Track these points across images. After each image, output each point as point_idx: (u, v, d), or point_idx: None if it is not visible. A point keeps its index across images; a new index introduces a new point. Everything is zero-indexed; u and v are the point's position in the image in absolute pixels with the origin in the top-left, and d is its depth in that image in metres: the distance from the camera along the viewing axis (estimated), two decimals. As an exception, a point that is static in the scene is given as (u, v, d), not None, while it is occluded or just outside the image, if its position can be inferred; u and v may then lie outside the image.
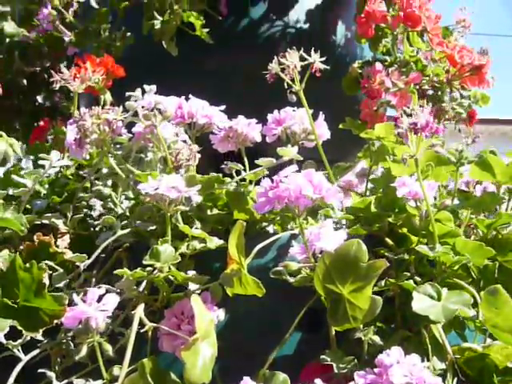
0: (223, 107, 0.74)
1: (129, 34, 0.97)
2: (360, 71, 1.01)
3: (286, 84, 0.67)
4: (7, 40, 1.16)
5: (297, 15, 1.09)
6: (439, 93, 0.97)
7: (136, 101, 0.70)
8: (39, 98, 1.18)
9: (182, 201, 0.58)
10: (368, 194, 0.86)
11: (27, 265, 0.50)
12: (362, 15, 0.96)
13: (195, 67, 1.04)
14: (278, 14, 1.08)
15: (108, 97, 0.80)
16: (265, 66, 1.07)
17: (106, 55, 0.80)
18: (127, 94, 0.71)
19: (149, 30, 0.89)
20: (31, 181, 0.60)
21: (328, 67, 0.67)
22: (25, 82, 1.10)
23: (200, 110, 0.68)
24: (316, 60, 0.66)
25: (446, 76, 0.94)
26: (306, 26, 1.09)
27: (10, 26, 1.18)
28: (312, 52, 0.67)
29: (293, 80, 0.67)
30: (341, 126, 0.89)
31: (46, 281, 0.50)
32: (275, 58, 0.67)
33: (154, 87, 0.69)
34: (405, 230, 0.67)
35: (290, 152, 0.66)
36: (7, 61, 1.09)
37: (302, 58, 0.66)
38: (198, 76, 1.06)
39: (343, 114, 0.99)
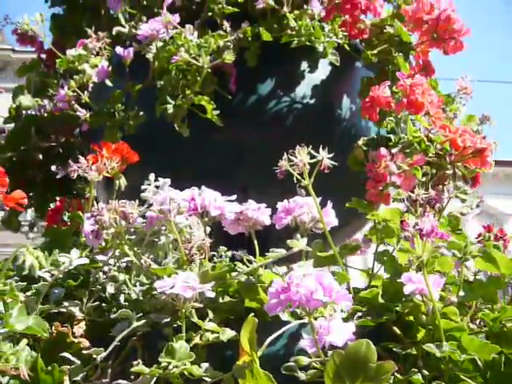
0: (234, 197, 0.76)
1: (141, 113, 1.01)
2: (365, 148, 1.04)
3: (295, 179, 0.70)
4: (23, 113, 1.21)
5: (303, 91, 1.12)
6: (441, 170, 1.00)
7: (150, 191, 0.72)
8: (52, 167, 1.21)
9: (196, 297, 0.61)
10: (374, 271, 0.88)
11: (49, 368, 0.52)
12: (367, 99, 0.99)
13: (204, 142, 1.08)
14: (285, 90, 1.12)
15: (123, 181, 0.83)
16: (272, 139, 1.13)
17: (121, 142, 0.84)
18: (142, 187, 0.74)
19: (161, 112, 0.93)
20: (50, 276, 0.62)
21: (336, 163, 0.70)
22: (40, 156, 1.14)
23: (212, 202, 0.70)
24: (324, 157, 0.68)
25: (448, 157, 0.96)
26: (312, 101, 1.13)
27: (26, 99, 1.22)
28: (320, 149, 0.70)
29: (301, 174, 0.70)
30: (347, 205, 0.92)
31: (67, 383, 0.52)
32: (286, 155, 0.69)
33: (168, 181, 0.72)
34: (412, 317, 0.69)
35: (299, 244, 0.68)
36: (23, 136, 1.14)
37: (311, 156, 0.69)
38: (207, 150, 1.10)
39: (348, 185, 1.03)
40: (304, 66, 1.13)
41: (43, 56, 1.52)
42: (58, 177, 1.21)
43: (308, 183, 0.70)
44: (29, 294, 0.67)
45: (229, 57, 0.89)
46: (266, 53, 1.07)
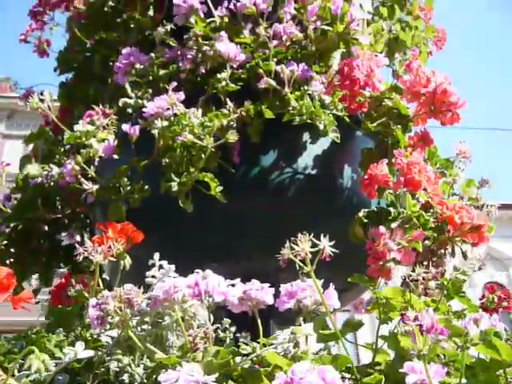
0: (238, 280, 0.77)
1: (147, 187, 1.03)
2: (365, 220, 1.06)
3: (297, 266, 0.71)
4: (30, 181, 1.23)
5: (305, 162, 1.15)
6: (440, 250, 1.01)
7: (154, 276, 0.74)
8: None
9: (200, 386, 0.61)
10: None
11: None
12: (366, 177, 1.02)
13: (208, 213, 1.09)
14: (287, 162, 1.14)
15: (128, 261, 0.84)
16: (276, 210, 1.15)
17: (126, 223, 0.85)
18: (147, 273, 0.76)
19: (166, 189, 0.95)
20: (55, 365, 0.63)
21: (337, 251, 0.71)
22: (46, 227, 1.16)
23: (216, 288, 0.71)
24: (326, 246, 0.70)
25: (446, 233, 0.98)
26: (314, 171, 1.15)
27: (33, 168, 1.25)
28: (322, 237, 0.71)
29: (303, 261, 0.71)
30: (349, 280, 0.93)
31: None
32: (287, 243, 0.70)
33: (172, 267, 0.74)
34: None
35: (304, 331, 0.69)
36: (30, 206, 1.16)
37: (313, 244, 0.70)
38: (211, 220, 1.12)
39: (350, 253, 1.04)
40: (306, 137, 1.16)
41: (50, 121, 1.57)
42: (63, 244, 1.22)
43: (310, 270, 0.71)
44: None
45: (232, 137, 0.92)
46: (269, 126, 1.09)
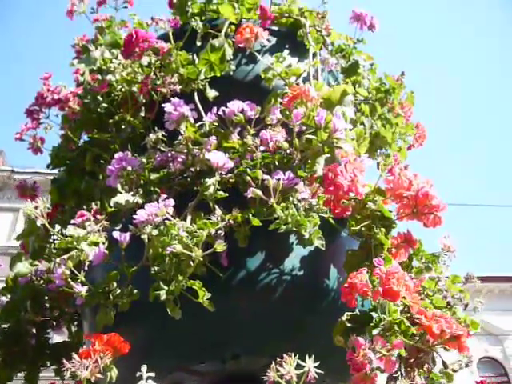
0: None
1: (135, 291, 1.04)
2: (349, 324, 1.07)
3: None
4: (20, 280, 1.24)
5: (292, 263, 1.17)
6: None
7: None
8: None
9: None
10: None
11: None
12: (346, 285, 1.03)
13: (195, 314, 1.10)
14: (273, 263, 1.16)
15: (114, 373, 0.84)
16: (263, 311, 1.16)
17: (113, 334, 0.86)
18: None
19: (154, 298, 0.96)
20: None
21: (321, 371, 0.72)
22: (34, 330, 1.16)
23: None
24: (310, 367, 0.71)
25: (426, 342, 0.98)
26: (301, 272, 1.17)
27: (23, 266, 1.26)
28: (307, 358, 0.72)
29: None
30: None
31: None
32: (273, 363, 0.72)
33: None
34: None
35: None
36: (19, 308, 1.16)
37: (298, 366, 0.71)
38: (198, 321, 1.13)
39: (338, 353, 1.04)
40: (292, 238, 1.19)
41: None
42: (50, 342, 1.22)
43: (293, 390, 0.72)
44: None
45: (220, 247, 0.94)
46: (256, 228, 1.12)
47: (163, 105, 1.22)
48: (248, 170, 1.08)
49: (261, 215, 1.03)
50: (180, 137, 1.22)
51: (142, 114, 1.42)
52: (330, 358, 0.97)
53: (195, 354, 1.17)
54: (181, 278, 0.95)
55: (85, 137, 1.57)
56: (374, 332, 1.00)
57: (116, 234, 1.02)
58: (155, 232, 0.96)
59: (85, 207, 1.43)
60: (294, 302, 1.17)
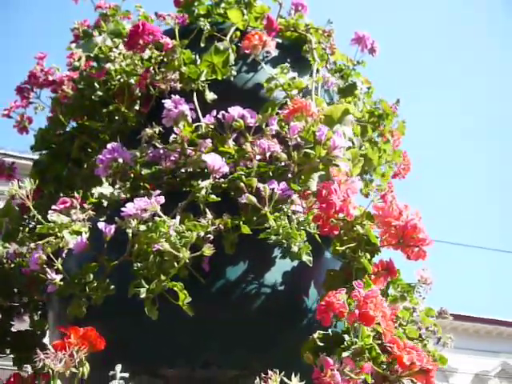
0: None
1: (112, 287, 1.01)
2: (320, 343, 1.05)
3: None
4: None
5: (273, 277, 1.15)
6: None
7: None
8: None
9: None
10: None
11: None
12: (323, 303, 1.02)
13: (167, 317, 1.08)
14: (255, 275, 1.14)
15: (86, 368, 0.81)
16: (238, 322, 1.14)
17: (90, 328, 0.83)
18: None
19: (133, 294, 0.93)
20: None
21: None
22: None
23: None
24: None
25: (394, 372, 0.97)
26: (281, 287, 1.16)
27: (-5, 247, 1.22)
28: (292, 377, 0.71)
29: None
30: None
31: None
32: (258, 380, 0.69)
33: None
34: None
35: None
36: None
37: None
38: (172, 324, 1.10)
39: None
40: (276, 252, 1.17)
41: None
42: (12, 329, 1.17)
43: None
44: None
45: (208, 251, 0.92)
46: (242, 237, 1.10)
47: (164, 101, 1.19)
48: (243, 176, 1.06)
49: (251, 223, 1.01)
50: (174, 135, 1.20)
51: (137, 107, 1.39)
52: (300, 375, 0.95)
53: (165, 357, 1.14)
54: (163, 277, 0.92)
55: (73, 123, 1.54)
56: (344, 354, 0.99)
57: (101, 226, 0.99)
58: (143, 227, 0.93)
59: (62, 195, 1.40)
60: (270, 316, 1.15)
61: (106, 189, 1.21)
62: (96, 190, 1.19)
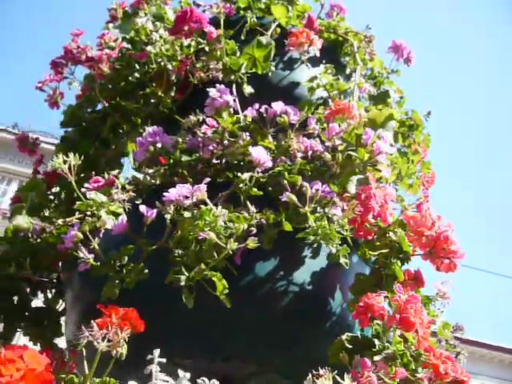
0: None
1: (146, 271, 1.00)
2: (348, 345, 1.05)
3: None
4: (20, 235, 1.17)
5: (302, 277, 1.15)
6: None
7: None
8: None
9: None
10: None
11: None
12: (361, 304, 1.02)
13: (200, 307, 1.07)
14: (284, 272, 1.13)
15: (125, 349, 0.80)
16: (263, 318, 1.13)
17: (130, 309, 0.82)
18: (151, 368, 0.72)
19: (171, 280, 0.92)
20: None
21: None
22: (28, 289, 1.10)
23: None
24: (348, 386, 0.68)
25: (427, 380, 0.97)
26: (309, 287, 1.15)
27: (23, 220, 1.20)
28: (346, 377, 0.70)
29: None
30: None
31: None
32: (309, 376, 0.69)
33: (188, 375, 0.71)
34: None
35: None
36: (14, 263, 1.10)
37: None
38: (200, 314, 1.09)
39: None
40: (306, 251, 1.17)
41: (40, 169, 1.53)
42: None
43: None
44: None
45: (252, 244, 0.91)
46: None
47: (208, 89, 1.18)
48: (286, 173, 1.05)
49: (292, 221, 1.00)
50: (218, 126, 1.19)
51: (172, 93, 1.38)
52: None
53: (185, 348, 1.13)
54: (203, 266, 0.91)
55: (102, 104, 1.52)
56: (376, 358, 0.99)
57: (143, 208, 0.98)
58: (187, 214, 0.92)
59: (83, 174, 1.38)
60: (295, 315, 1.14)
61: (139, 173, 1.20)
62: (131, 174, 1.18)
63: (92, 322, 0.77)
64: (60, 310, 1.26)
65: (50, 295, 1.31)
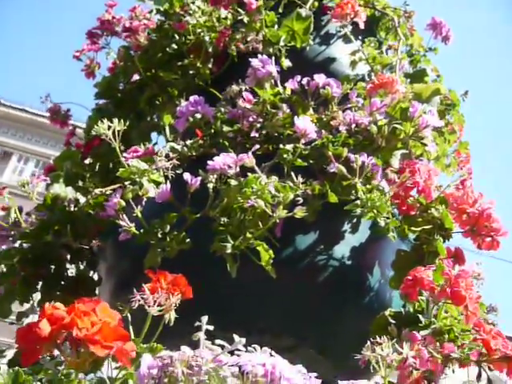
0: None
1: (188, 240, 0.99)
2: (391, 320, 1.03)
3: (371, 368, 0.68)
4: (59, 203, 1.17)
5: (341, 251, 1.13)
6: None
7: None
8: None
9: None
10: None
11: None
12: (410, 277, 1.00)
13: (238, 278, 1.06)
14: (324, 247, 1.12)
15: (173, 315, 0.79)
16: (301, 291, 1.12)
17: (179, 275, 0.81)
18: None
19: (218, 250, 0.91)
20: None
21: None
22: (68, 256, 1.10)
23: (284, 373, 0.67)
24: (409, 356, 0.67)
25: (476, 355, 0.96)
26: (349, 262, 1.14)
27: (60, 188, 1.19)
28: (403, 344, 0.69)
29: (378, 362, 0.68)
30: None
31: None
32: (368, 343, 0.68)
33: (243, 340, 0.69)
34: None
35: None
36: (54, 230, 1.09)
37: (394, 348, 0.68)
38: (238, 285, 1.08)
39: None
40: (346, 226, 1.15)
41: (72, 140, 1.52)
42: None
43: (385, 376, 0.68)
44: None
45: (300, 213, 0.90)
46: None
47: (250, 59, 1.16)
48: (330, 145, 1.03)
49: (337, 193, 0.99)
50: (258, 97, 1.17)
51: (210, 65, 1.36)
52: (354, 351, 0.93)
53: (222, 319, 1.12)
54: (249, 235, 0.90)
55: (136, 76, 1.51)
56: (423, 333, 0.98)
57: (187, 176, 0.97)
58: (234, 182, 0.91)
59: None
60: (334, 289, 1.13)
61: (176, 144, 1.19)
62: (168, 145, 1.17)
63: (143, 285, 0.76)
64: (95, 280, 1.26)
65: (82, 266, 1.31)
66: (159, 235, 0.97)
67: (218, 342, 0.71)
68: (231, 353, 0.70)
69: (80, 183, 1.28)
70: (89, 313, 0.55)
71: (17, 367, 0.69)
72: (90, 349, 0.54)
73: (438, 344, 0.96)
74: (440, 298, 0.98)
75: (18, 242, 1.13)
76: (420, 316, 1.05)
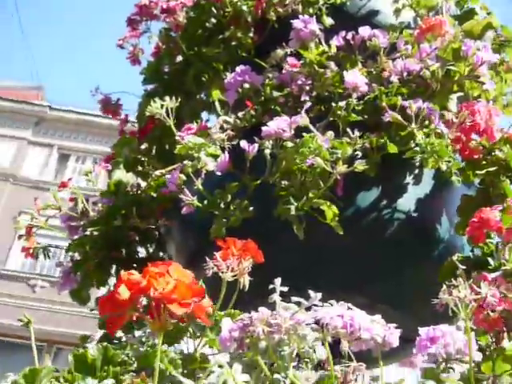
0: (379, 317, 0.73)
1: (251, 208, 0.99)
2: (459, 265, 1.01)
3: (450, 310, 0.67)
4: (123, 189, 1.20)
5: (406, 204, 1.11)
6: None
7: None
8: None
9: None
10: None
11: None
12: (475, 219, 0.97)
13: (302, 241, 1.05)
14: (388, 201, 1.11)
15: (246, 279, 0.80)
16: (367, 247, 1.11)
17: (249, 241, 0.81)
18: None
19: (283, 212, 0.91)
20: None
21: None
22: (137, 237, 1.13)
23: (363, 324, 0.67)
24: (488, 295, 0.66)
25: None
26: (415, 214, 1.12)
27: (122, 174, 1.22)
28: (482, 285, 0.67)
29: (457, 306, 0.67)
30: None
31: None
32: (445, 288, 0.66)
33: (319, 295, 0.70)
34: None
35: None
36: (121, 214, 1.12)
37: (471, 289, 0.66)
38: (303, 247, 1.08)
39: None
40: (408, 178, 1.13)
41: (126, 128, 1.55)
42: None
43: (466, 317, 0.67)
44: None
45: (360, 166, 0.89)
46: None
47: (292, 21, 1.15)
48: (384, 96, 1.01)
49: (396, 143, 0.97)
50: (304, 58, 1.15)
51: (251, 34, 1.35)
52: (422, 305, 0.92)
53: (290, 280, 1.13)
54: (312, 195, 0.90)
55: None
56: (494, 275, 0.95)
57: (244, 144, 0.97)
58: (290, 144, 0.91)
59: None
60: (403, 243, 1.12)
61: (227, 117, 1.19)
62: (220, 118, 1.17)
63: (215, 253, 0.77)
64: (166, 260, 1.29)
65: (151, 249, 1.34)
66: (222, 205, 0.98)
67: (294, 299, 0.71)
68: (308, 309, 0.70)
69: (139, 168, 1.31)
70: (163, 274, 0.57)
71: (105, 343, 0.72)
72: (168, 308, 0.55)
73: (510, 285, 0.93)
74: (508, 237, 0.95)
75: (88, 230, 1.17)
76: (489, 259, 1.03)
